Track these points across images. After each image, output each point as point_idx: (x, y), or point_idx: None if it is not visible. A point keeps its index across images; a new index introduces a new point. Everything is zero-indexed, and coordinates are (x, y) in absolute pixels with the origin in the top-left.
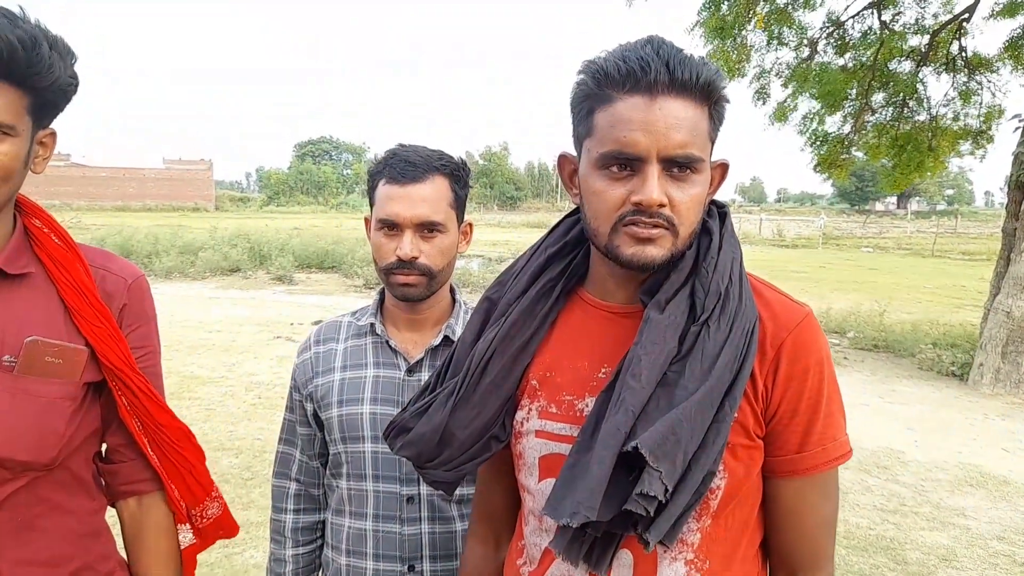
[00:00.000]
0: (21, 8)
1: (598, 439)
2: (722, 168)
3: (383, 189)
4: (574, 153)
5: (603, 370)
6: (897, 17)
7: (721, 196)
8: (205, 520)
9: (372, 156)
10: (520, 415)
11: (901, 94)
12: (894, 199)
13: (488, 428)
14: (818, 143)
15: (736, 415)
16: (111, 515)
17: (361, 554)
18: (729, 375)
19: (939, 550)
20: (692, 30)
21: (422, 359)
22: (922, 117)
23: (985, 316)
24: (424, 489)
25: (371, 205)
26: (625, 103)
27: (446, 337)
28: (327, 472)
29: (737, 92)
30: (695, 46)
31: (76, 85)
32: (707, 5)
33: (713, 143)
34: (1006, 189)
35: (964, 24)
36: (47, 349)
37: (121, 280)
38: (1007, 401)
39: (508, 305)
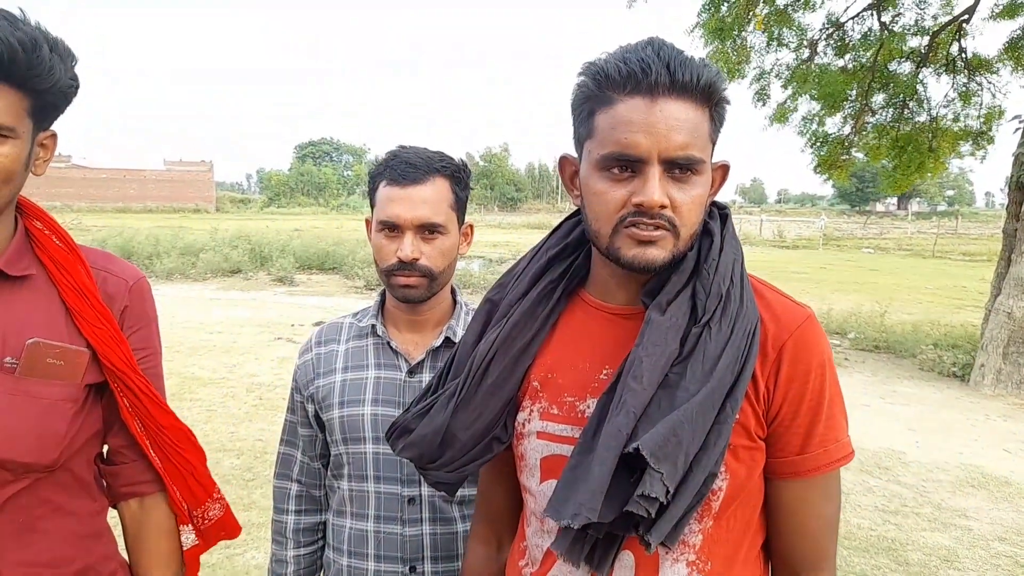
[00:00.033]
0: (21, 10)
1: (599, 440)
2: (723, 169)
3: (384, 191)
4: (575, 155)
5: (604, 371)
6: (897, 18)
7: (721, 197)
8: (207, 521)
9: (373, 157)
10: (521, 416)
11: (901, 95)
12: (894, 200)
13: (490, 429)
14: (818, 144)
15: (738, 416)
16: (112, 516)
17: (362, 555)
18: (730, 376)
19: (940, 551)
20: (692, 31)
21: (423, 360)
22: (922, 118)
23: (986, 317)
24: (425, 490)
25: (372, 207)
26: (626, 105)
27: (447, 338)
28: (328, 473)
29: (737, 93)
30: (695, 47)
31: (77, 87)
32: (707, 6)
33: (714, 144)
34: (1006, 190)
35: (964, 25)
36: (48, 351)
37: (122, 282)
38: (1008, 402)
39: (509, 307)
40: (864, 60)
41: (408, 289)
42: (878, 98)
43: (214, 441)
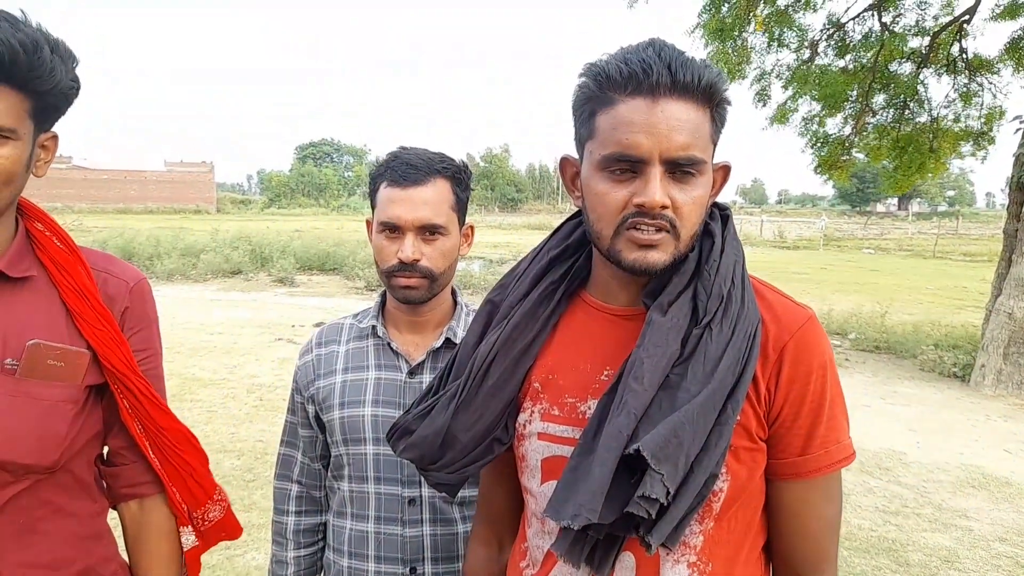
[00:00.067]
0: (23, 12)
1: (600, 441)
2: (724, 170)
3: (384, 192)
4: (576, 156)
5: (605, 372)
6: (898, 19)
7: (722, 197)
8: (207, 523)
9: (373, 158)
10: (522, 417)
11: (902, 96)
12: (895, 200)
13: (490, 431)
14: (819, 145)
15: (739, 418)
16: (112, 517)
17: (363, 556)
18: (731, 378)
19: (941, 552)
20: (692, 32)
21: (423, 361)
22: (923, 119)
23: (987, 317)
24: (426, 491)
25: (372, 208)
26: (627, 105)
27: (447, 339)
28: (329, 474)
29: (738, 94)
30: (695, 48)
31: (78, 89)
32: (707, 7)
33: (715, 145)
34: (1007, 190)
35: (964, 26)
36: (49, 352)
37: (123, 283)
38: (1009, 402)
39: (510, 308)
40: (865, 61)
41: (409, 290)
42: (879, 99)
43: (215, 442)
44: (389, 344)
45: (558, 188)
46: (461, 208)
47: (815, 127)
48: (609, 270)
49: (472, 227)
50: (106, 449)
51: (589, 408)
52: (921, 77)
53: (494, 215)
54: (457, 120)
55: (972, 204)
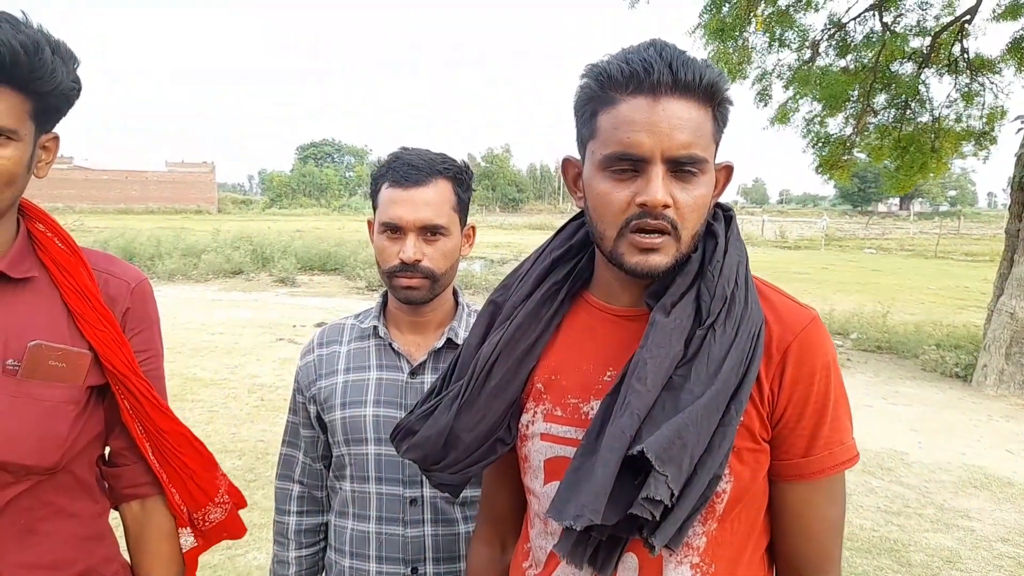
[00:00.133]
0: (23, 13)
1: (603, 442)
2: (727, 170)
3: (386, 192)
4: (578, 157)
5: (608, 373)
6: (899, 19)
7: (723, 197)
8: (207, 524)
9: (374, 159)
10: (525, 418)
11: (903, 95)
12: (896, 200)
13: (493, 431)
14: (820, 145)
15: (742, 419)
16: (114, 517)
17: (364, 556)
18: (735, 379)
19: (943, 552)
20: (693, 32)
21: (425, 361)
22: (924, 118)
23: (989, 317)
24: (427, 491)
25: (374, 208)
26: (628, 104)
27: (449, 340)
28: (330, 474)
29: (739, 94)
30: (696, 48)
31: (79, 90)
32: (708, 7)
33: (717, 145)
34: (1009, 190)
35: (966, 26)
36: (50, 353)
37: (124, 284)
38: (1011, 402)
39: (513, 308)
40: (866, 60)
41: (410, 291)
42: (880, 98)
43: (216, 442)
44: (390, 344)
45: (559, 188)
46: (462, 208)
47: (816, 127)
48: (611, 271)
49: (473, 227)
50: (107, 450)
51: (592, 409)
52: (922, 77)
53: (495, 215)
54: (458, 120)
55: (974, 204)
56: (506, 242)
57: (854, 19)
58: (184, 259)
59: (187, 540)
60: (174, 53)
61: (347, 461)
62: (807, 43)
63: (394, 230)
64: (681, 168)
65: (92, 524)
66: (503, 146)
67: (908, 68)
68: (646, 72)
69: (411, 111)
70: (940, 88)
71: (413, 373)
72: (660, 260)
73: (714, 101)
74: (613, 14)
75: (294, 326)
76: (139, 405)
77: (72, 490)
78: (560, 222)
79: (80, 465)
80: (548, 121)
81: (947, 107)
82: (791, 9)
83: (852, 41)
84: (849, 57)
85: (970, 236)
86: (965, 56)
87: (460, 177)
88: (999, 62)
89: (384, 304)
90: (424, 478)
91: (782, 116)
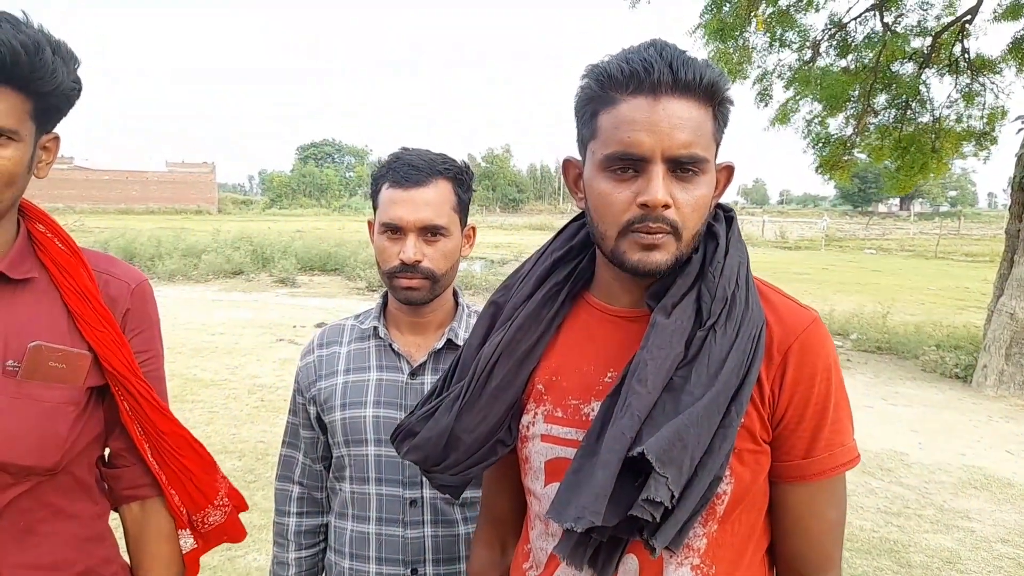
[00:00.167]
0: (24, 13)
1: (603, 444)
2: (727, 171)
3: (386, 193)
4: (578, 157)
5: (609, 374)
6: (899, 19)
7: (724, 198)
8: (207, 526)
9: (374, 159)
10: (526, 419)
11: (904, 96)
12: (897, 201)
13: (494, 432)
14: (820, 145)
15: (743, 420)
16: (114, 519)
17: (364, 557)
18: (736, 380)
19: (943, 553)
20: (693, 32)
21: (425, 362)
22: (925, 119)
23: (989, 318)
24: (427, 492)
25: (374, 208)
26: (629, 104)
27: (449, 340)
28: (330, 475)
29: (739, 94)
30: (697, 48)
31: (79, 90)
32: (709, 8)
33: (718, 145)
34: (1009, 191)
35: (967, 26)
36: (50, 354)
37: (124, 285)
38: (1011, 403)
39: (514, 309)
40: (867, 61)
41: (410, 291)
42: (881, 99)
43: (216, 443)
44: (391, 345)
45: (559, 188)
46: (463, 209)
47: (816, 127)
48: (612, 272)
49: (474, 228)
50: (107, 451)
51: (593, 410)
52: (923, 77)
53: (495, 215)
54: (458, 120)
55: (974, 204)
56: (506, 242)
57: (855, 19)
58: (184, 259)
59: (187, 542)
60: (174, 53)
61: (347, 462)
62: (808, 43)
63: (394, 230)
64: (682, 168)
65: (92, 525)
66: (503, 146)
67: (909, 68)
68: (646, 72)
69: (411, 111)
70: (941, 88)
71: (413, 374)
72: (661, 258)
73: (714, 101)
74: (613, 14)
75: (294, 327)
76: (138, 406)
77: (72, 491)
78: (560, 222)
79: (80, 466)
80: (548, 121)
81: (948, 107)
82: (792, 9)
83: (853, 41)
84: (850, 57)
85: (970, 236)
86: (966, 56)
87: (460, 177)
88: (1000, 62)
89: (384, 305)
90: (424, 479)
91: (782, 116)
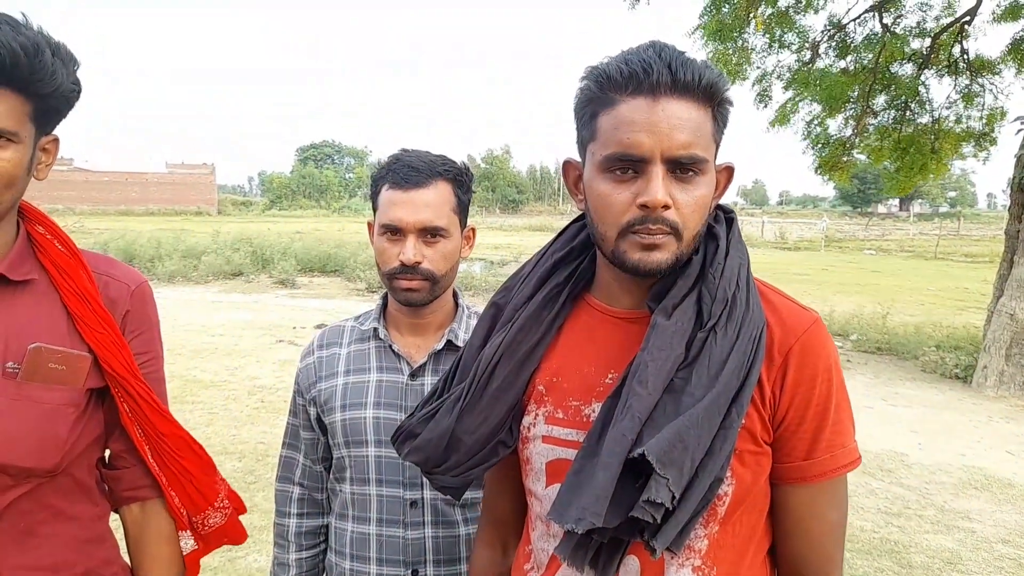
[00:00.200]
0: (24, 15)
1: (604, 445)
2: (728, 171)
3: (386, 194)
4: (578, 159)
5: (610, 376)
6: (899, 20)
7: (723, 198)
8: (207, 528)
9: (374, 160)
10: (527, 420)
11: (903, 97)
12: (896, 201)
13: (495, 433)
14: (819, 146)
15: (743, 421)
16: (114, 520)
17: (364, 558)
18: (736, 381)
19: (944, 553)
20: (693, 33)
21: (425, 363)
22: (924, 120)
23: (988, 318)
24: (428, 493)
25: (374, 210)
26: (628, 105)
27: (449, 341)
28: (330, 476)
29: (739, 95)
30: (696, 49)
31: (79, 91)
32: (708, 9)
33: (718, 146)
34: (1009, 191)
35: (966, 27)
36: (50, 356)
37: (124, 286)
38: (1011, 403)
39: (515, 310)
40: (866, 62)
41: (410, 292)
42: (880, 100)
43: (215, 444)
44: (391, 346)
45: (559, 189)
46: (462, 210)
47: (816, 128)
48: (613, 272)
49: (474, 229)
50: (107, 452)
51: (593, 411)
52: (922, 78)
53: (495, 216)
54: (457, 120)
55: (973, 205)
56: (506, 244)
57: (854, 20)
58: (184, 261)
59: (187, 543)
60: (174, 53)
61: (347, 463)
62: (807, 44)
63: (394, 232)
64: (681, 168)
65: (92, 527)
66: (503, 147)
67: (908, 69)
68: (645, 73)
69: (411, 111)
70: (940, 89)
71: (413, 375)
72: (662, 257)
73: (714, 101)
74: (613, 14)
75: (294, 328)
76: (138, 408)
77: (72, 493)
78: (560, 223)
79: (80, 468)
80: (548, 122)
81: (947, 108)
82: (791, 10)
83: (852, 42)
84: (849, 58)
85: (970, 237)
86: (965, 57)
87: (460, 179)
88: (999, 63)
89: (384, 306)
90: (424, 480)
91: (782, 117)
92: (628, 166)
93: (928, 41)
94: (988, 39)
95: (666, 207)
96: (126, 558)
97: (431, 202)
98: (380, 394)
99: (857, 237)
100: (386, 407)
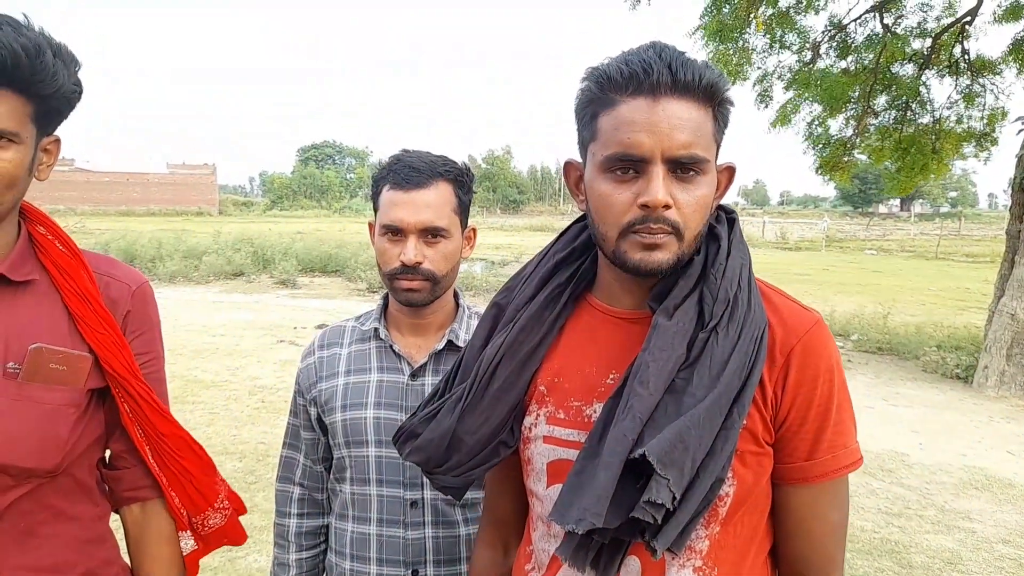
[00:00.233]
0: (25, 16)
1: (605, 446)
2: (729, 171)
3: (387, 195)
4: (579, 159)
5: (611, 376)
6: (899, 20)
7: (724, 199)
8: (207, 529)
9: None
10: (528, 421)
11: (904, 97)
12: (897, 201)
13: (496, 434)
14: (820, 146)
15: (745, 422)
16: (115, 520)
17: (365, 559)
18: (738, 382)
19: (944, 554)
20: (693, 34)
21: (426, 364)
22: (925, 120)
23: (989, 318)
24: (428, 493)
25: (375, 210)
26: (628, 105)
27: (450, 342)
28: (331, 476)
29: (739, 95)
30: (696, 50)
31: (80, 92)
32: (708, 9)
33: (718, 145)
34: (1010, 191)
35: (966, 27)
36: (51, 356)
37: (125, 287)
38: (1012, 403)
39: (516, 311)
40: (867, 62)
41: (411, 293)
42: (881, 100)
43: (216, 444)
44: (391, 346)
45: (560, 190)
46: (463, 211)
47: (817, 128)
48: (614, 273)
49: (474, 229)
50: (108, 452)
51: (595, 412)
52: (923, 78)
53: (496, 217)
54: (458, 120)
55: (975, 205)
56: (507, 244)
57: (855, 20)
58: (185, 261)
59: (187, 544)
60: (174, 53)
61: (347, 463)
62: (807, 45)
63: (395, 232)
64: (682, 168)
65: (92, 527)
66: (504, 147)
67: (909, 69)
68: (645, 73)
69: (411, 111)
70: (941, 89)
71: (414, 375)
72: (663, 257)
73: (714, 101)
74: (613, 15)
75: (295, 328)
76: (138, 408)
77: (72, 493)
78: (561, 224)
79: (80, 468)
80: (548, 122)
81: (948, 108)
82: (791, 11)
83: (853, 43)
84: (850, 59)
85: (971, 237)
86: (966, 57)
87: (461, 179)
88: (1000, 63)
89: (385, 306)
90: (425, 480)
91: (783, 118)
92: (629, 166)
93: (929, 41)
94: (989, 39)
95: (667, 207)
96: (126, 558)
97: (432, 202)
98: (381, 394)
99: (858, 237)
100: (386, 407)
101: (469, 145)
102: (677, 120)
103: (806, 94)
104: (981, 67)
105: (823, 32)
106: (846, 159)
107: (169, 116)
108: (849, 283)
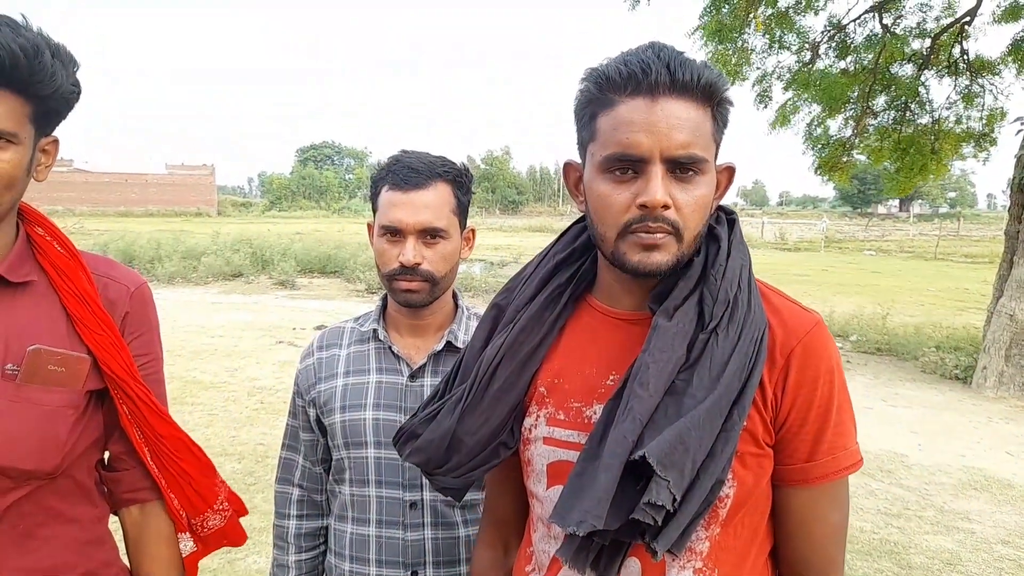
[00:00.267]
0: (23, 16)
1: (605, 447)
2: (728, 172)
3: (386, 195)
4: (578, 160)
5: (611, 377)
6: (899, 21)
7: (724, 199)
8: (206, 530)
9: (374, 161)
10: (528, 422)
11: (903, 97)
12: (896, 202)
13: (496, 435)
14: (819, 146)
15: (745, 423)
16: (114, 522)
17: (364, 560)
18: (738, 383)
19: (944, 554)
20: (692, 34)
21: (425, 365)
22: (924, 120)
23: (988, 319)
24: (427, 494)
25: (374, 211)
26: (627, 105)
27: (448, 343)
28: (330, 478)
29: (738, 96)
30: (695, 50)
31: (78, 93)
32: (708, 9)
33: (718, 145)
34: (1009, 192)
35: (966, 27)
36: (50, 358)
37: (124, 288)
38: (1011, 404)
39: (516, 312)
40: (866, 62)
41: (410, 294)
42: (880, 100)
43: (215, 445)
44: (390, 348)
45: (559, 190)
46: (462, 211)
47: (816, 129)
48: (614, 274)
49: (473, 230)
50: (107, 454)
51: (595, 413)
52: (922, 79)
53: (495, 217)
54: (457, 120)
55: (973, 205)
56: (506, 244)
57: (854, 21)
58: (184, 262)
59: (186, 545)
60: (173, 53)
61: (347, 465)
62: (807, 45)
63: (394, 233)
64: (681, 168)
65: (92, 529)
66: (503, 148)
67: (908, 70)
68: (644, 73)
69: (411, 111)
70: (940, 90)
71: (413, 376)
72: (662, 258)
73: (713, 101)
74: (613, 15)
75: (294, 329)
76: (137, 410)
77: (71, 495)
78: (560, 225)
79: (79, 470)
80: (548, 122)
81: (947, 109)
82: (791, 11)
83: (852, 43)
84: (849, 59)
85: (970, 238)
86: (965, 58)
87: (460, 180)
88: (999, 64)
89: (384, 307)
90: (424, 481)
91: (782, 118)
92: (627, 166)
93: (928, 42)
94: (988, 39)
95: (666, 207)
96: (125, 560)
97: (431, 203)
98: (379, 395)
99: (857, 238)
100: (385, 408)
101: (468, 145)
102: (676, 120)
103: (805, 94)
104: (980, 67)
105: (822, 32)
106: (845, 159)
107: (168, 116)
108: (848, 284)
